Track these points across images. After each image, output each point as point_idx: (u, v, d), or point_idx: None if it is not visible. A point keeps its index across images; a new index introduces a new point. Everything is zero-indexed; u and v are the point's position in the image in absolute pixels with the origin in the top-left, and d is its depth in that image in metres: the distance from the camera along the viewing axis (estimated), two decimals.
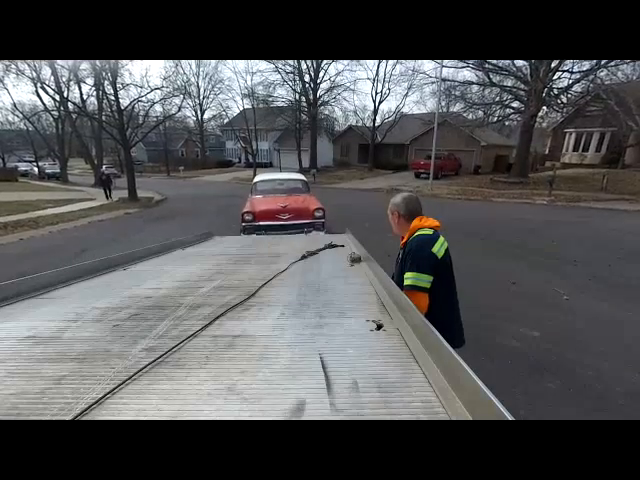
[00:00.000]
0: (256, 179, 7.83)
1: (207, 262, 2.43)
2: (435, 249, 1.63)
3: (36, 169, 28.81)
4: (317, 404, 0.76)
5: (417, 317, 1.06)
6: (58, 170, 25.64)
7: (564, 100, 16.01)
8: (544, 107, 15.81)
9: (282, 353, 1.02)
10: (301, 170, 25.84)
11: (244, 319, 1.30)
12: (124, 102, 14.78)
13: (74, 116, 20.72)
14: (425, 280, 1.60)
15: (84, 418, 0.74)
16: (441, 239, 1.70)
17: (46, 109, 18.58)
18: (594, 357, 3.02)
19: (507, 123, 20.19)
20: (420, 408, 0.74)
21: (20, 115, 21.26)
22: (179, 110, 16.70)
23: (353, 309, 1.39)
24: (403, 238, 1.84)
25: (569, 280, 4.91)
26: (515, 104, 17.18)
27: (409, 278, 1.63)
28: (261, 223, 6.07)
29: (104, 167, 24.82)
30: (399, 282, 1.65)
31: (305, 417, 0.72)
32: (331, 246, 2.71)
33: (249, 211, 6.16)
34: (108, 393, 0.82)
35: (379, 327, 1.19)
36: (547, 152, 25.26)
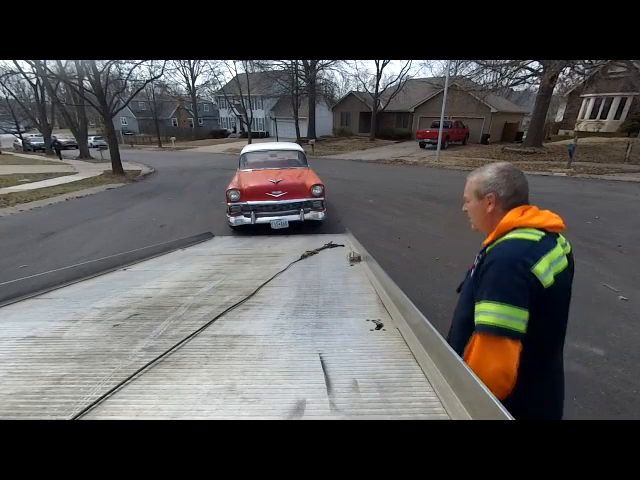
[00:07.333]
0: (245, 150, 6.71)
1: (207, 262, 2.39)
2: (540, 268, 0.90)
3: (20, 140, 27.35)
4: (317, 404, 0.75)
5: (417, 316, 1.02)
6: (44, 142, 24.17)
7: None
8: (567, 68, 14.27)
9: (282, 353, 1.00)
10: (299, 140, 24.47)
11: (244, 319, 1.29)
12: (102, 63, 13.35)
13: (54, 84, 19.12)
14: (519, 319, 0.88)
15: (84, 418, 0.73)
16: (556, 251, 0.96)
17: (21, 72, 16.92)
18: None
19: (515, 89, 18.37)
20: (420, 408, 0.73)
21: None
22: (162, 73, 15.20)
23: (353, 309, 1.37)
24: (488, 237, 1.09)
25: (618, 271, 4.08)
26: (534, 65, 15.63)
27: (489, 313, 0.90)
28: (249, 202, 5.14)
29: (92, 138, 23.84)
30: (467, 314, 0.99)
31: (305, 417, 0.71)
32: (331, 246, 2.65)
33: (235, 188, 5.18)
34: (108, 393, 0.80)
35: (379, 326, 1.16)
36: (562, 119, 23.77)
